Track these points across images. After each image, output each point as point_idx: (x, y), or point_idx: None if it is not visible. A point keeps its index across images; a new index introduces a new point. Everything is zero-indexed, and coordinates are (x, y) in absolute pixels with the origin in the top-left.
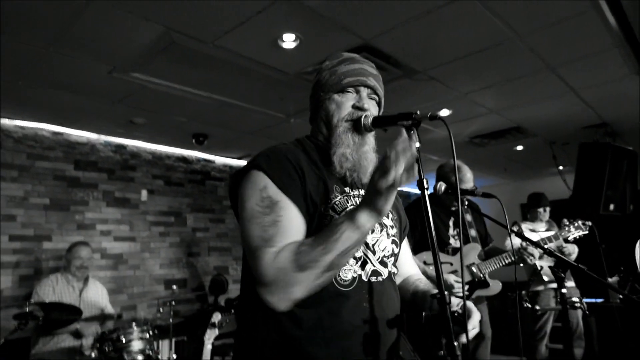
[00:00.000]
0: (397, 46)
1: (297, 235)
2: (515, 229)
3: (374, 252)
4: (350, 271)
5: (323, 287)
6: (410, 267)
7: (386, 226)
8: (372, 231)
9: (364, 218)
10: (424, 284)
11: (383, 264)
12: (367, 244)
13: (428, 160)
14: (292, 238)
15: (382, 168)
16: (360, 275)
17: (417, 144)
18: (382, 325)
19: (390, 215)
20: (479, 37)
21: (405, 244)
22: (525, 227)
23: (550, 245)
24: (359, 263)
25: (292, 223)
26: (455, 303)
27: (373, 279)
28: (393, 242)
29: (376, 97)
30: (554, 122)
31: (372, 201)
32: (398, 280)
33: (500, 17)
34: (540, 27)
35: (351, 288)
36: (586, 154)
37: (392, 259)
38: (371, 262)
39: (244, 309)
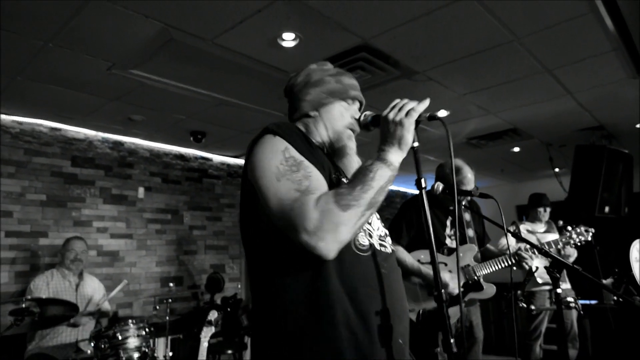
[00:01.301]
0: (396, 46)
1: (328, 188)
2: (512, 229)
3: (372, 231)
4: (365, 238)
5: (345, 251)
6: None
7: None
8: None
9: (392, 155)
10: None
11: (382, 240)
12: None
13: (425, 160)
14: (326, 189)
15: (397, 105)
16: (373, 244)
17: (416, 143)
18: (396, 293)
19: None
20: (478, 39)
21: None
22: (524, 227)
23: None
24: (367, 234)
25: (321, 178)
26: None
27: (383, 249)
28: (382, 222)
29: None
30: (550, 124)
31: (394, 136)
32: None
33: (498, 19)
34: (538, 29)
35: (368, 253)
36: (582, 156)
37: (387, 239)
38: (375, 236)
39: (265, 296)
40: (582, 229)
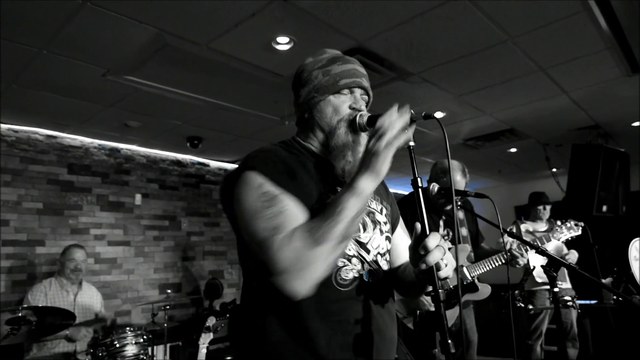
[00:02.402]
0: (390, 48)
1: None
2: (513, 228)
3: (367, 252)
4: (352, 271)
5: (324, 285)
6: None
7: (379, 223)
8: (365, 229)
9: (364, 183)
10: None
11: (377, 262)
12: (361, 243)
13: (422, 162)
14: (301, 221)
15: (378, 131)
16: (361, 275)
17: (412, 143)
18: (379, 324)
19: (384, 210)
20: (472, 39)
21: (403, 231)
22: (525, 227)
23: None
24: (358, 263)
25: (296, 212)
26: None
27: (371, 279)
28: (387, 238)
29: (366, 98)
30: (546, 124)
31: (370, 164)
32: (396, 263)
33: (492, 19)
34: (531, 29)
35: (349, 288)
36: (579, 155)
37: (386, 256)
38: (367, 262)
39: (248, 313)
40: (572, 223)
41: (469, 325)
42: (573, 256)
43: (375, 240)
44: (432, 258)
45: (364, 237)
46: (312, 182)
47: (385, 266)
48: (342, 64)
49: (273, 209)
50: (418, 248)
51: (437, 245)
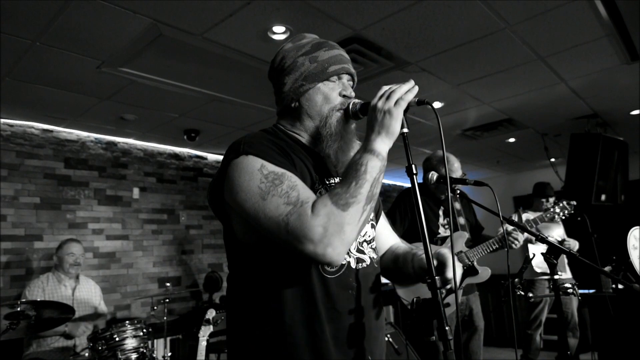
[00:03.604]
0: (388, 37)
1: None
2: (514, 217)
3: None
4: None
5: (310, 273)
6: (390, 238)
7: None
8: None
9: (380, 144)
10: (402, 248)
11: (362, 251)
12: None
13: (420, 153)
14: (314, 195)
15: (385, 93)
16: (349, 262)
17: (406, 129)
18: (367, 312)
19: None
20: (470, 28)
21: (385, 221)
22: (526, 217)
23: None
24: None
25: (307, 188)
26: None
27: (359, 265)
28: (372, 226)
29: (352, 84)
30: (545, 113)
31: (382, 125)
32: (381, 252)
33: (489, 6)
34: (529, 16)
35: (336, 275)
36: (577, 144)
37: (372, 243)
38: (352, 251)
39: (237, 307)
40: (564, 202)
41: (475, 310)
42: (573, 244)
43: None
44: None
45: None
46: (305, 168)
47: (371, 253)
48: (328, 50)
49: (283, 186)
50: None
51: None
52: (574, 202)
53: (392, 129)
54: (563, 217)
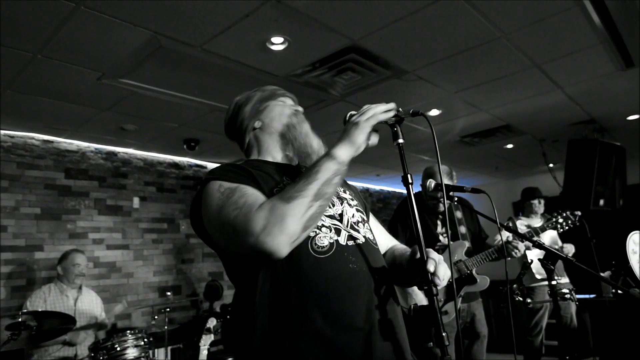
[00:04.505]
0: (385, 46)
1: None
2: (509, 224)
3: (341, 220)
4: (326, 237)
5: (299, 258)
6: (386, 241)
7: (345, 199)
8: (333, 205)
9: (340, 150)
10: (398, 249)
11: (355, 229)
12: (331, 216)
13: (419, 160)
14: (264, 199)
15: (363, 109)
16: (337, 240)
17: (401, 140)
18: (370, 281)
19: (347, 192)
20: (465, 36)
21: (375, 221)
22: (520, 223)
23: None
24: (333, 231)
25: (258, 193)
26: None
27: (350, 242)
28: (357, 210)
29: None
30: (542, 120)
31: (347, 133)
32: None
33: (485, 16)
34: (525, 25)
35: (330, 254)
36: (575, 150)
37: (363, 225)
38: (344, 229)
39: (238, 308)
40: (568, 213)
41: (477, 317)
42: (569, 249)
43: (347, 212)
44: (443, 278)
45: (333, 211)
46: (269, 177)
47: (368, 234)
48: (271, 85)
49: (235, 196)
50: (418, 268)
51: (436, 261)
52: (579, 213)
53: (355, 139)
54: (567, 227)
